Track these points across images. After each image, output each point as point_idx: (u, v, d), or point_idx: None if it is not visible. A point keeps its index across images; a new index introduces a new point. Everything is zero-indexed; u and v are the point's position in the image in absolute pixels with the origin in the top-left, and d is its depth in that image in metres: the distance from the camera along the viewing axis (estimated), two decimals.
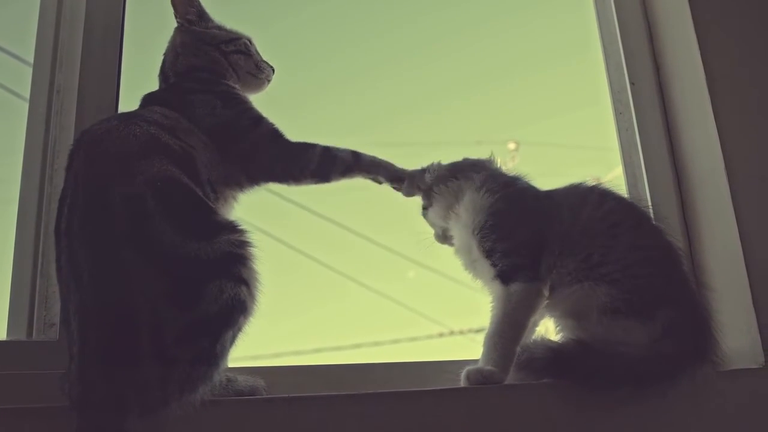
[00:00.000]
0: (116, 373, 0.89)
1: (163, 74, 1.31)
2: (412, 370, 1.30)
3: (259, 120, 1.24)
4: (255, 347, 1.13)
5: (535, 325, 1.26)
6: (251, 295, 0.99)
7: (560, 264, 1.19)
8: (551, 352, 1.15)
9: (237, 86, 1.31)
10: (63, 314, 0.99)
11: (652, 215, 1.29)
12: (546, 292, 1.19)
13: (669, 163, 1.63)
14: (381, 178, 1.30)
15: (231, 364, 1.03)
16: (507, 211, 1.24)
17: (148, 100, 1.24)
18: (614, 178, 1.67)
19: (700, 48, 1.57)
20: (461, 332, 1.67)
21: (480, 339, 1.19)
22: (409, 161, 1.35)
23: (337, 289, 1.69)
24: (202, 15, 1.33)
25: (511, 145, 1.80)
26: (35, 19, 1.37)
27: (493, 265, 1.20)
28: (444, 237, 1.35)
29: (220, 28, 1.35)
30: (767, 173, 1.51)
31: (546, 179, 1.34)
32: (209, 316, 0.94)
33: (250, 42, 1.37)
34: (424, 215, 1.37)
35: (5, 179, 1.33)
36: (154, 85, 1.31)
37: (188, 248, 0.95)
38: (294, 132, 1.25)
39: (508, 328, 1.15)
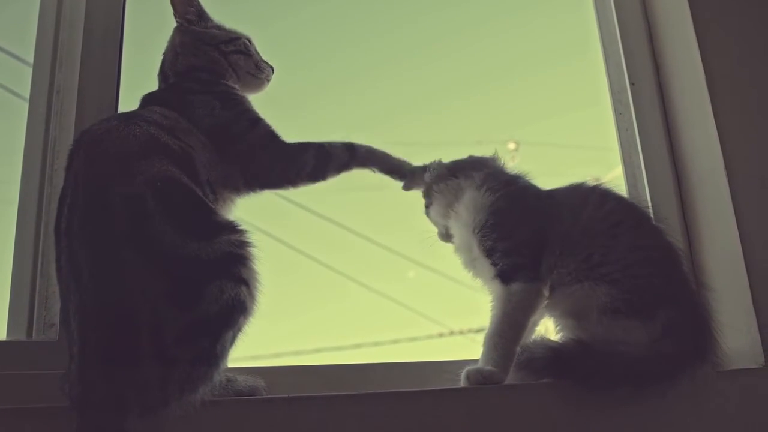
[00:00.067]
0: (116, 373, 0.89)
1: (163, 74, 1.31)
2: (412, 370, 1.30)
3: (256, 122, 1.24)
4: (255, 347, 1.13)
5: (535, 325, 1.26)
6: (251, 296, 0.99)
7: (561, 264, 1.19)
8: (551, 351, 1.15)
9: (236, 86, 1.31)
10: (63, 314, 0.99)
11: (652, 215, 1.29)
12: (546, 292, 1.19)
13: (669, 163, 1.63)
14: (377, 170, 1.30)
15: (231, 364, 1.03)
16: (508, 210, 1.24)
17: (148, 100, 1.24)
18: (614, 178, 1.67)
19: (700, 48, 1.57)
20: (461, 332, 1.67)
21: (480, 339, 1.19)
22: (409, 161, 1.35)
23: (337, 289, 1.68)
24: (202, 15, 1.33)
25: (511, 145, 1.80)
26: (35, 19, 1.37)
27: (494, 264, 1.20)
28: (447, 235, 1.35)
29: (219, 27, 1.35)
30: (767, 173, 1.51)
31: (546, 179, 1.34)
32: (209, 317, 0.94)
33: (250, 42, 1.37)
34: (427, 213, 1.37)
35: (5, 179, 1.33)
36: (153, 85, 1.31)
37: (188, 248, 0.95)
38: (294, 132, 1.25)
39: (508, 327, 1.15)
